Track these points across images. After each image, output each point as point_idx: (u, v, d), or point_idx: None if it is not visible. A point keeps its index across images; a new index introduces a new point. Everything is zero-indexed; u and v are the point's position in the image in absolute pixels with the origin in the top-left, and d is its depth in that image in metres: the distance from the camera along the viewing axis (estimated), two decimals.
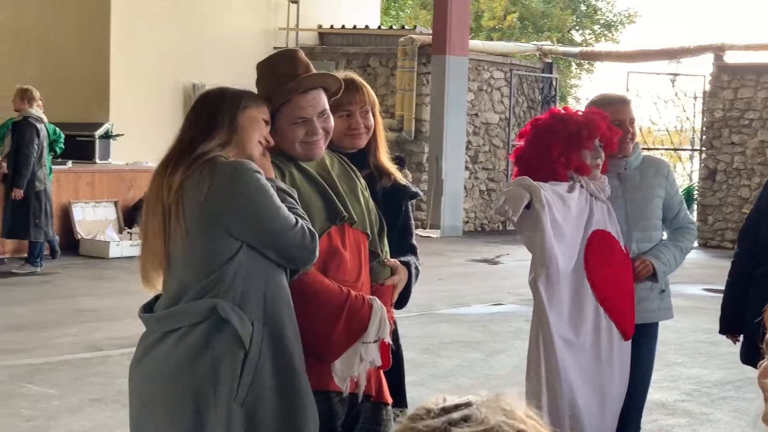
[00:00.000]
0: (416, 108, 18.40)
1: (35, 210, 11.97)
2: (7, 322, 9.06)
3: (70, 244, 13.43)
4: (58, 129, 12.75)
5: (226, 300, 3.00)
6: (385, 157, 3.77)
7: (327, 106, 3.36)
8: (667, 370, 7.97)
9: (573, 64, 33.48)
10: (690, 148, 19.86)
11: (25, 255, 12.20)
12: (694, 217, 17.66)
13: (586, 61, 30.09)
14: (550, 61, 20.70)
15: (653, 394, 7.13)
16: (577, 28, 35.85)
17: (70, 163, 14.22)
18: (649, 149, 19.26)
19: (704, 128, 18.27)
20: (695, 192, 16.25)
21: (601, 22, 36.39)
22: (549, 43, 24.54)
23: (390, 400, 3.49)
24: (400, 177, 3.79)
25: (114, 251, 13.24)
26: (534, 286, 4.15)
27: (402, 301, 3.70)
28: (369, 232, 3.43)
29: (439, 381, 7.42)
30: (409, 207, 3.84)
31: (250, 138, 3.15)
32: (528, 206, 4.09)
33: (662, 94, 18.85)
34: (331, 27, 19.77)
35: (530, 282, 4.18)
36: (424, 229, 17.96)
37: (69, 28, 16.40)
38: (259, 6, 18.90)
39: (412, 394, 6.96)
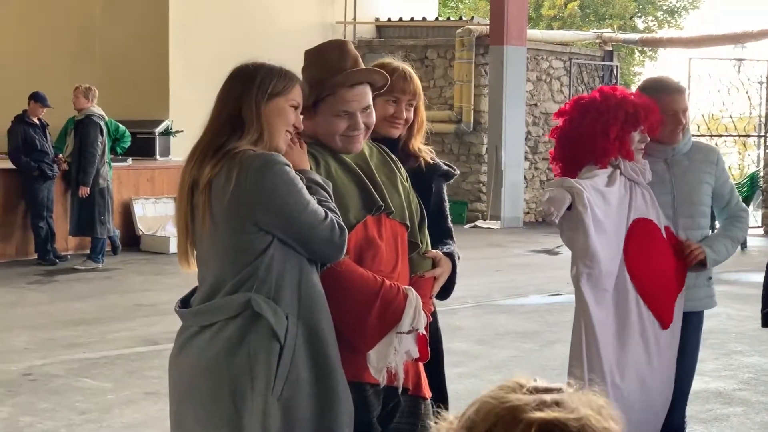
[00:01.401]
0: (475, 99, 18.33)
1: (100, 207, 12.16)
2: (68, 317, 9.20)
3: (131, 240, 13.60)
4: (122, 127, 12.92)
5: (260, 294, 3.00)
6: (417, 143, 3.74)
7: (371, 102, 3.35)
8: (726, 359, 7.84)
9: (636, 51, 33.06)
10: (756, 134, 19.51)
11: (88, 251, 12.39)
12: (759, 203, 17.35)
13: (648, 48, 29.71)
14: (610, 48, 20.47)
15: (710, 383, 7.03)
16: (639, 14, 35.40)
17: (130, 160, 14.40)
18: (713, 136, 19.00)
19: None
20: (760, 178, 15.95)
21: (664, 8, 35.88)
22: (609, 30, 24.26)
23: (429, 394, 3.45)
24: (429, 158, 3.75)
25: (174, 246, 13.34)
26: (576, 284, 4.10)
27: (445, 293, 3.65)
28: (408, 222, 3.40)
29: (492, 372, 7.39)
30: (443, 188, 3.78)
31: (277, 130, 3.11)
32: (569, 207, 4.04)
33: (726, 80, 18.54)
34: (389, 20, 19.76)
35: (573, 278, 4.13)
36: (484, 220, 17.90)
37: (129, 26, 16.59)
38: (315, 1, 18.94)
39: (465, 385, 6.99)
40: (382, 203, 3.30)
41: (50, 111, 12.57)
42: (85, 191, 11.99)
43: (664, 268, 4.22)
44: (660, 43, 21.59)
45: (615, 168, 4.24)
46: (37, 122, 12.42)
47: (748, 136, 19.69)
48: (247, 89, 3.10)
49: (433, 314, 3.63)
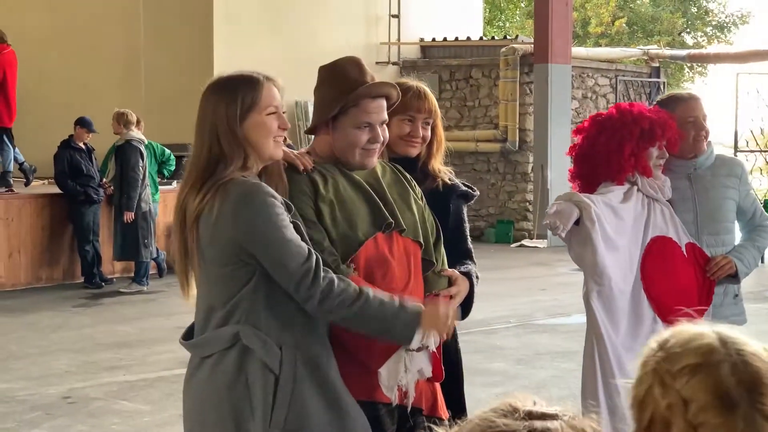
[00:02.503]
0: (520, 118, 18.26)
1: (143, 230, 12.26)
2: (110, 339, 9.27)
3: None
4: (167, 150, 13.04)
5: (248, 325, 2.97)
6: (436, 163, 3.72)
7: (387, 117, 3.35)
8: None
9: (685, 67, 32.77)
10: None
11: (133, 274, 12.49)
12: None
13: (697, 64, 29.44)
14: (657, 65, 20.31)
15: None
16: (688, 30, 35.11)
17: (175, 183, 14.50)
18: (762, 151, 18.75)
19: None
20: None
21: (713, 23, 35.56)
22: (656, 47, 24.07)
23: (446, 414, 3.42)
24: (448, 179, 3.72)
25: None
26: (587, 302, 4.05)
27: (463, 312, 3.62)
28: (422, 240, 3.38)
29: (530, 392, 7.30)
30: (462, 208, 3.75)
31: (262, 144, 3.05)
32: (577, 222, 4.00)
33: None
34: (433, 40, 19.78)
35: (583, 296, 4.08)
36: (531, 239, 17.79)
37: (174, 52, 16.76)
38: (359, 21, 19.02)
39: None
40: (391, 220, 3.28)
41: (97, 136, 12.73)
42: (129, 216, 12.09)
43: (684, 287, 4.15)
44: (708, 58, 21.38)
45: (632, 185, 4.19)
46: (83, 147, 12.57)
47: None
48: (218, 117, 3.04)
49: (454, 333, 3.60)
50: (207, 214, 2.98)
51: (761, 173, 19.32)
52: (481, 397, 6.96)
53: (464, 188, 3.74)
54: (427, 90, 3.68)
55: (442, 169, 3.72)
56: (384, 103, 3.32)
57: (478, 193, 3.83)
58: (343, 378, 3.13)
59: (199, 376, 3.08)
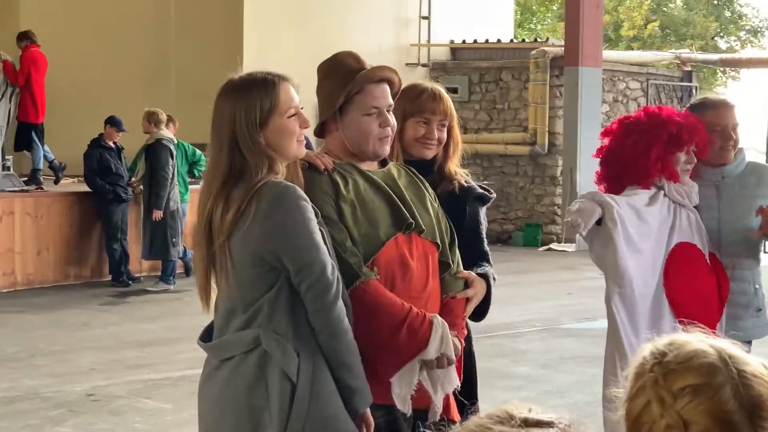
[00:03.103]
0: (549, 121, 18.17)
1: (172, 229, 12.30)
2: (136, 338, 9.31)
3: None
4: (198, 151, 13.09)
5: (269, 330, 2.95)
6: (453, 165, 3.69)
7: (392, 102, 3.35)
8: None
9: (718, 71, 32.54)
10: None
11: (160, 273, 12.54)
12: None
13: (730, 69, 29.23)
14: (689, 69, 20.17)
15: None
16: (721, 34, 34.86)
17: None
18: None
19: None
20: None
21: (747, 28, 35.29)
22: (688, 50, 23.92)
23: (458, 417, 3.40)
24: (464, 181, 3.69)
25: None
26: (608, 304, 4.01)
27: (480, 314, 3.61)
28: (439, 242, 3.38)
29: (554, 397, 7.28)
30: (479, 211, 3.71)
31: (285, 147, 3.03)
32: (599, 222, 3.95)
33: None
34: (463, 42, 19.74)
35: (605, 298, 4.04)
36: (559, 243, 17.71)
37: (204, 51, 16.81)
38: (389, 23, 19.01)
39: None
40: (412, 220, 3.28)
41: (127, 135, 12.80)
42: (158, 215, 12.13)
43: (706, 295, 4.09)
44: (740, 63, 21.24)
45: (659, 189, 4.15)
46: (113, 146, 12.64)
47: None
48: (237, 125, 2.99)
49: (467, 336, 3.59)
50: (242, 218, 2.95)
51: None
52: (504, 401, 6.93)
53: (481, 190, 3.70)
54: (443, 91, 3.66)
55: (458, 171, 3.69)
56: (387, 87, 3.32)
57: (494, 195, 3.80)
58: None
59: (218, 378, 3.06)
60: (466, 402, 3.29)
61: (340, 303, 2.98)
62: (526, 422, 1.42)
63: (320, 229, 3.02)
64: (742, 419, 1.54)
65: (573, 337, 9.65)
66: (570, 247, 17.32)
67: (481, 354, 8.58)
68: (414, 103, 3.59)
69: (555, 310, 11.02)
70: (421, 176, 3.48)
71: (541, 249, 17.38)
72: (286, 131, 3.02)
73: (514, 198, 18.53)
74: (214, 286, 3.10)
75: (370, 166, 3.36)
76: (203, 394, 3.15)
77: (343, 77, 3.26)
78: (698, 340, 1.64)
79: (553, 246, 17.56)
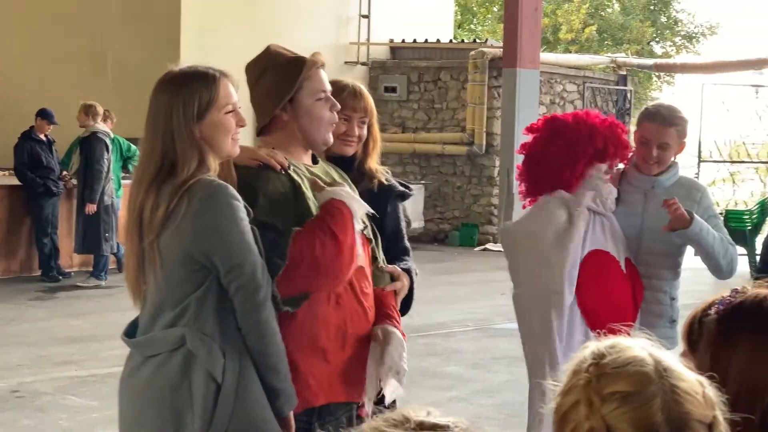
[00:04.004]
0: (487, 122, 18.26)
1: (105, 224, 12.15)
2: (64, 334, 9.17)
3: None
4: (133, 146, 12.92)
5: (195, 329, 2.91)
6: (373, 163, 3.69)
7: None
8: None
9: (653, 76, 32.96)
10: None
11: (92, 268, 12.37)
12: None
13: (665, 73, 29.62)
14: (624, 73, 20.39)
15: None
16: (657, 40, 35.31)
17: None
18: (733, 162, 18.87)
19: None
20: None
21: (682, 33, 35.78)
22: (623, 55, 24.19)
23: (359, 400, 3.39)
24: (385, 179, 3.69)
25: None
26: (543, 308, 4.03)
27: (405, 308, 3.62)
28: (371, 237, 3.39)
29: (484, 396, 7.30)
30: (399, 208, 3.72)
31: (220, 143, 3.00)
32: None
33: (742, 106, 18.39)
34: (403, 41, 19.75)
35: (532, 302, 4.07)
36: (495, 243, 17.80)
37: (142, 45, 16.63)
38: (329, 21, 18.96)
39: (455, 409, 6.88)
40: (370, 210, 3.27)
41: (61, 128, 12.60)
42: (91, 208, 11.98)
43: (619, 302, 4.09)
44: (674, 68, 21.49)
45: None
46: (44, 139, 12.45)
47: (763, 162, 19.56)
48: (174, 117, 2.96)
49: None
50: (173, 216, 2.91)
51: (724, 183, 19.44)
52: (434, 400, 6.93)
53: (401, 188, 3.72)
54: (363, 89, 3.67)
55: (378, 168, 3.70)
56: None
57: (414, 192, 3.81)
58: (320, 381, 3.15)
59: (141, 376, 3.01)
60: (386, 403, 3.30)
61: (269, 304, 2.96)
62: (422, 426, 1.41)
63: (252, 228, 2.98)
64: None
65: (505, 337, 9.67)
66: None
67: (413, 353, 8.60)
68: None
69: (488, 310, 11.06)
70: (344, 174, 3.47)
71: (477, 249, 17.46)
72: (221, 127, 2.99)
73: (451, 198, 18.59)
74: None
75: (308, 162, 3.33)
76: (125, 391, 3.10)
77: (287, 67, 3.23)
78: (641, 347, 1.62)
79: (489, 246, 17.63)
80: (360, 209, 3.14)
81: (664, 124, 4.23)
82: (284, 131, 3.27)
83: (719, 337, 1.97)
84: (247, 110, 3.23)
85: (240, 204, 2.95)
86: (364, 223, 3.23)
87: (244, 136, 3.28)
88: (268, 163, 3.16)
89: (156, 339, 2.98)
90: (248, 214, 2.98)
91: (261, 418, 2.94)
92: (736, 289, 2.04)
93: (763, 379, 1.89)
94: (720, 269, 4.23)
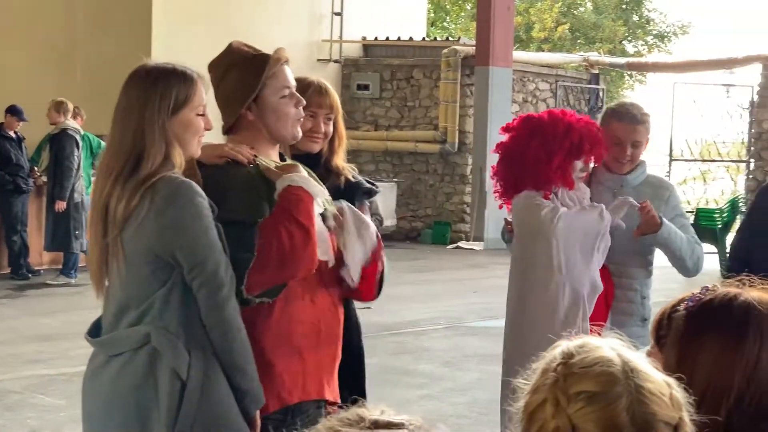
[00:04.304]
0: (460, 119, 18.28)
1: (75, 221, 12.06)
2: (33, 332, 9.10)
3: None
4: (103, 143, 12.83)
5: (160, 327, 2.90)
6: (339, 160, 3.68)
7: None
8: None
9: (625, 75, 33.11)
10: (737, 159, 19.51)
11: (61, 266, 12.28)
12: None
13: (636, 72, 29.77)
14: (596, 72, 20.47)
15: None
16: (629, 39, 35.47)
17: None
18: (705, 161, 18.98)
19: (752, 139, 17.92)
20: (741, 203, 15.92)
21: (654, 33, 35.95)
22: (596, 54, 24.28)
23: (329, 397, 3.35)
24: (351, 176, 3.67)
25: None
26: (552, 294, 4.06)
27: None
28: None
29: (455, 394, 7.30)
30: (366, 204, 3.69)
31: (187, 142, 2.99)
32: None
33: (713, 105, 18.50)
34: (375, 39, 19.73)
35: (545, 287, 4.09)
36: (467, 241, 17.82)
37: (112, 42, 16.52)
38: (302, 18, 18.91)
39: (426, 407, 6.89)
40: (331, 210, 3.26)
41: (31, 125, 12.49)
42: (61, 206, 11.90)
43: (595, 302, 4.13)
44: (646, 67, 21.59)
45: (554, 194, 4.17)
46: (14, 136, 12.34)
47: (733, 161, 19.68)
48: (147, 108, 2.95)
49: (356, 326, 3.63)
50: (136, 213, 2.89)
51: (695, 182, 19.56)
52: (406, 398, 6.92)
53: (368, 185, 3.70)
54: (328, 86, 3.67)
55: (345, 166, 3.69)
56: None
57: (380, 190, 3.80)
58: (295, 379, 3.14)
59: (105, 375, 2.98)
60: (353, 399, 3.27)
61: (234, 302, 2.94)
62: (376, 424, 1.42)
63: (216, 225, 2.96)
64: None
65: (477, 335, 9.70)
66: (478, 246, 17.44)
67: (385, 351, 8.63)
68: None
69: (460, 308, 11.07)
70: (311, 172, 3.45)
71: (449, 247, 17.47)
72: (192, 126, 2.99)
73: (424, 196, 18.60)
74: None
75: (275, 160, 3.31)
76: (89, 390, 3.06)
77: (251, 64, 3.20)
78: (610, 347, 1.62)
79: (461, 244, 17.66)
80: (319, 193, 3.11)
81: (634, 123, 4.28)
82: (251, 130, 3.25)
83: (687, 334, 1.98)
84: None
85: (204, 201, 2.93)
86: (324, 206, 3.20)
87: (213, 136, 3.27)
88: (234, 158, 3.14)
89: (120, 338, 2.95)
90: (213, 211, 2.97)
91: (226, 416, 2.92)
92: (707, 287, 2.04)
93: (729, 377, 1.89)
94: (686, 269, 4.28)
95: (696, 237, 4.36)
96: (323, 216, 3.16)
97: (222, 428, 2.92)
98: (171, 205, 2.88)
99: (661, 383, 1.60)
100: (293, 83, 3.28)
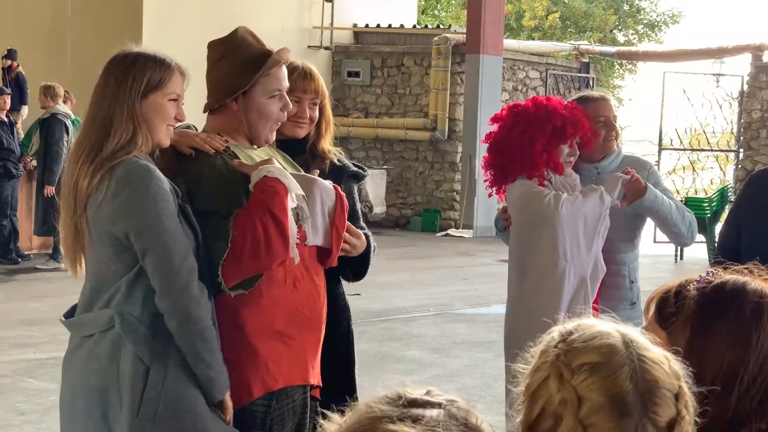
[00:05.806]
0: (450, 107, 18.29)
1: None
2: (22, 316, 9.11)
3: None
4: None
5: (125, 312, 2.90)
6: (325, 144, 3.66)
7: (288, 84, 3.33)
8: None
9: (616, 64, 33.15)
10: (727, 149, 19.56)
11: (51, 251, 12.28)
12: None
13: (626, 61, 29.80)
14: (587, 60, 20.49)
15: None
16: (619, 28, 35.48)
17: None
18: (694, 150, 19.02)
19: (741, 129, 17.98)
20: (729, 193, 15.99)
21: (645, 22, 35.97)
22: (586, 42, 24.29)
23: (312, 382, 3.34)
24: (337, 160, 3.64)
25: None
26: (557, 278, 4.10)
27: (358, 274, 3.58)
28: (305, 216, 3.38)
29: (444, 381, 7.33)
30: (353, 188, 3.67)
31: (155, 127, 2.99)
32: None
33: (702, 95, 18.52)
34: (366, 26, 19.72)
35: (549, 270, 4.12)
36: (457, 228, 17.86)
37: (101, 27, 16.47)
38: (293, 5, 18.88)
39: None
40: (301, 191, 3.25)
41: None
42: (50, 190, 11.89)
43: None
44: (636, 56, 21.62)
45: (547, 180, 4.19)
46: (5, 120, 12.32)
47: (722, 151, 19.73)
48: (120, 88, 2.97)
49: (344, 309, 3.61)
50: (96, 193, 2.91)
51: (684, 171, 19.61)
52: (393, 385, 6.96)
53: (354, 168, 3.68)
54: (314, 70, 3.63)
55: (331, 149, 3.66)
56: (285, 69, 3.31)
57: (368, 173, 3.78)
58: (279, 364, 3.12)
59: (77, 357, 3.00)
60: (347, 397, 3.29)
61: (192, 291, 2.90)
62: (413, 403, 1.44)
63: (182, 205, 2.96)
64: (635, 401, 1.58)
65: (465, 322, 9.74)
66: (467, 234, 17.49)
67: (374, 337, 8.66)
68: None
69: (449, 295, 11.11)
70: (290, 157, 3.45)
71: (439, 234, 17.51)
72: (161, 111, 2.99)
73: (413, 183, 18.62)
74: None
75: (248, 147, 3.30)
76: (64, 373, 3.09)
77: (247, 62, 3.19)
78: (605, 324, 1.67)
79: (450, 232, 17.70)
80: (294, 187, 3.11)
81: (607, 100, 4.41)
82: (231, 118, 3.24)
83: (699, 316, 2.00)
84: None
85: (162, 185, 2.91)
86: (297, 201, 3.17)
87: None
88: (201, 149, 3.13)
89: (88, 320, 2.97)
90: (177, 196, 2.96)
91: (192, 400, 2.92)
92: (712, 270, 2.08)
93: (742, 362, 1.93)
94: (681, 235, 4.29)
95: (684, 206, 4.39)
96: (294, 211, 3.14)
97: (188, 413, 2.92)
98: (124, 188, 2.89)
99: (659, 353, 1.64)
100: (286, 85, 3.26)
